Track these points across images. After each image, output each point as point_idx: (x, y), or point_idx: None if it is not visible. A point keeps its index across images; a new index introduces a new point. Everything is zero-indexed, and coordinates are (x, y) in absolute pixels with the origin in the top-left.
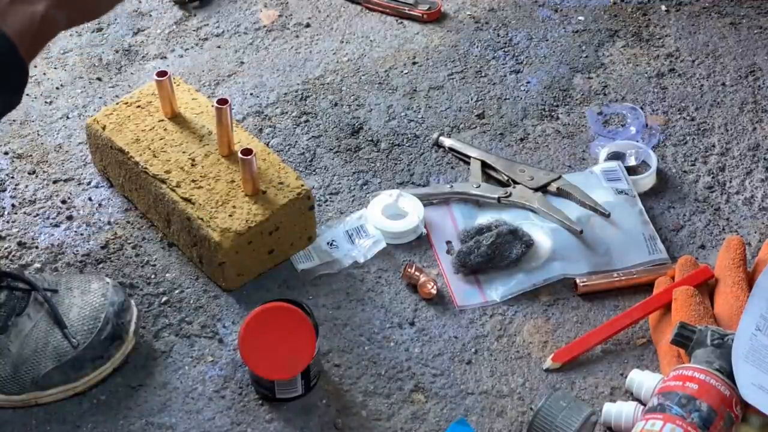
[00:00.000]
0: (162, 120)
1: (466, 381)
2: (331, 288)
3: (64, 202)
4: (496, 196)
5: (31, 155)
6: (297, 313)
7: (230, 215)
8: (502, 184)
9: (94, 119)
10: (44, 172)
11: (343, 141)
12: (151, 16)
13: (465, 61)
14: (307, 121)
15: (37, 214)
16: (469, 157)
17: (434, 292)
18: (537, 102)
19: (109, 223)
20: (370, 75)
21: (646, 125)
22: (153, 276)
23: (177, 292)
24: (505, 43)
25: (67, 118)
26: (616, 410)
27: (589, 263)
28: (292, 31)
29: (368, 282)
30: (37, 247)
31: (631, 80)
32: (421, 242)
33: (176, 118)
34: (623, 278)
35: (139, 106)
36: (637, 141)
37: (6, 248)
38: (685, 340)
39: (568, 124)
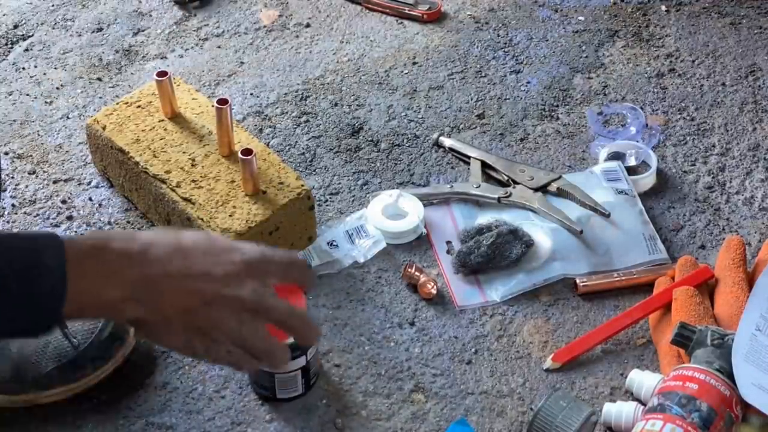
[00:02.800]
0: (162, 120)
1: (466, 381)
2: (331, 288)
3: (64, 202)
4: (496, 196)
5: (31, 155)
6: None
7: (230, 215)
8: (502, 184)
9: (94, 119)
10: (44, 172)
11: (343, 141)
12: (151, 16)
13: (465, 61)
14: (307, 121)
15: (37, 214)
16: (469, 157)
17: (434, 292)
18: (537, 102)
19: (109, 223)
20: (370, 75)
21: (646, 125)
22: None
23: None
24: (505, 43)
25: (67, 118)
26: (616, 410)
27: (589, 263)
28: (292, 31)
29: (368, 282)
30: None
31: (631, 80)
32: (421, 242)
33: (176, 118)
34: (623, 278)
35: (139, 106)
36: (637, 141)
37: None
38: (685, 340)
39: (568, 124)
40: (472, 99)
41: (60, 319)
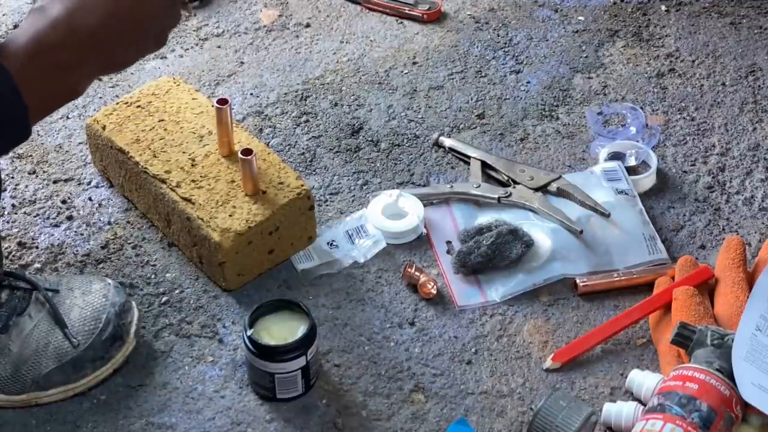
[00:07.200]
0: (162, 120)
1: (466, 381)
2: (331, 288)
3: (64, 202)
4: (496, 196)
5: (31, 155)
6: None
7: (230, 215)
8: (502, 184)
9: (94, 119)
10: (44, 172)
11: (343, 141)
12: None
13: (465, 61)
14: (307, 121)
15: (37, 214)
16: (469, 157)
17: (434, 292)
18: (537, 102)
19: (109, 223)
20: (370, 75)
21: (646, 125)
22: (153, 276)
23: (177, 292)
24: (505, 43)
25: (67, 118)
26: (616, 410)
27: (589, 263)
28: (292, 31)
29: (368, 282)
30: (37, 247)
31: (631, 80)
32: (421, 242)
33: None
34: (623, 278)
35: (139, 106)
36: (637, 141)
37: (6, 248)
38: (685, 340)
39: (568, 124)
40: (472, 99)
41: (29, 131)
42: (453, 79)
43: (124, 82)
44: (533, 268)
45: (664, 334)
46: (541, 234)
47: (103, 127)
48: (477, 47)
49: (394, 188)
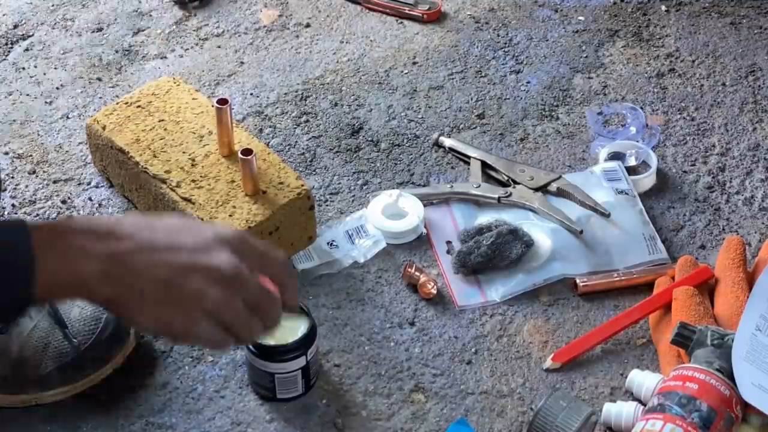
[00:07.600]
0: (162, 120)
1: (466, 381)
2: (331, 288)
3: (64, 202)
4: (496, 196)
5: (31, 155)
6: None
7: (230, 215)
8: (502, 184)
9: (94, 119)
10: (44, 172)
11: (343, 141)
12: (151, 16)
13: (465, 61)
14: (307, 121)
15: (37, 214)
16: (469, 157)
17: (434, 292)
18: (537, 102)
19: None
20: (370, 75)
21: (646, 125)
22: None
23: None
24: (505, 43)
25: (67, 118)
26: (616, 410)
27: (589, 263)
28: (292, 31)
29: (368, 282)
30: None
31: (631, 80)
32: (421, 242)
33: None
34: (623, 278)
35: (139, 106)
36: (637, 141)
37: None
38: (685, 340)
39: (568, 124)
40: (472, 99)
41: (32, 300)
42: (453, 79)
43: (124, 82)
44: (533, 268)
45: (664, 334)
46: (541, 234)
47: (103, 127)
48: (477, 47)
49: (394, 188)
